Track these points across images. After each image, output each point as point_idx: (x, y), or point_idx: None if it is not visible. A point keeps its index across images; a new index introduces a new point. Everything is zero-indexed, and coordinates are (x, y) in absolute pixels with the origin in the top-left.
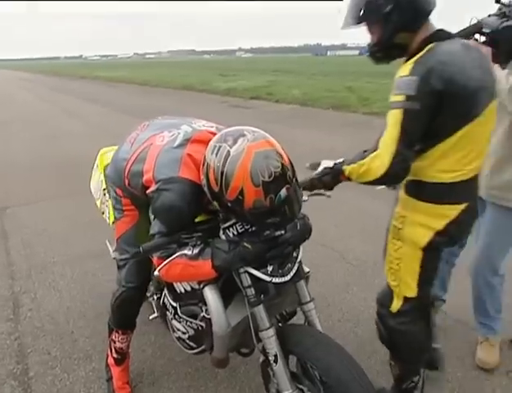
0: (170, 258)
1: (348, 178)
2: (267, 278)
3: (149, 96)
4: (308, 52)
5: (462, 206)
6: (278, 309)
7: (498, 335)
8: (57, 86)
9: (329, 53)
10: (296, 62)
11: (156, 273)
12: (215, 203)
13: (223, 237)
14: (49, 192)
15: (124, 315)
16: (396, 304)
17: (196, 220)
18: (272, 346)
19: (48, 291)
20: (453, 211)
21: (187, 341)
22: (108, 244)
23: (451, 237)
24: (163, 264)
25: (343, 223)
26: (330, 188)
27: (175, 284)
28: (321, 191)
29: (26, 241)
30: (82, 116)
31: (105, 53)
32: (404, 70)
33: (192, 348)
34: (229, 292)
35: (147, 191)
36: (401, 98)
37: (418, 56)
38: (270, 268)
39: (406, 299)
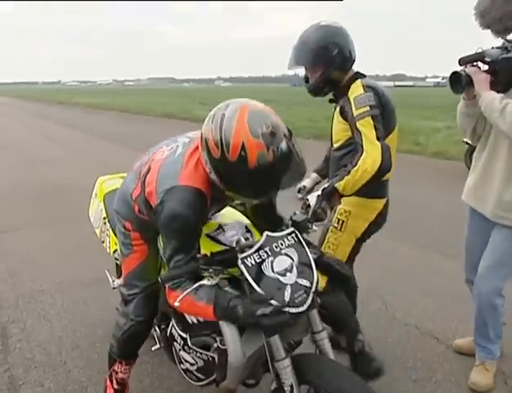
0: (187, 291)
1: (342, 195)
2: (285, 309)
3: (130, 123)
4: (286, 82)
5: (385, 200)
6: (288, 338)
7: (495, 360)
8: (36, 111)
9: None
10: (275, 92)
11: (176, 303)
12: (220, 182)
13: (242, 266)
14: (30, 220)
15: (131, 347)
16: (322, 284)
17: (214, 251)
18: (288, 377)
19: (38, 321)
20: (381, 204)
21: (195, 373)
22: (107, 273)
23: (377, 226)
24: (181, 297)
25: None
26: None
27: (186, 315)
28: (325, 222)
29: (11, 269)
30: (61, 142)
31: (83, 79)
32: (357, 91)
33: (200, 380)
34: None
35: (153, 206)
36: (366, 109)
37: (359, 83)
38: (287, 299)
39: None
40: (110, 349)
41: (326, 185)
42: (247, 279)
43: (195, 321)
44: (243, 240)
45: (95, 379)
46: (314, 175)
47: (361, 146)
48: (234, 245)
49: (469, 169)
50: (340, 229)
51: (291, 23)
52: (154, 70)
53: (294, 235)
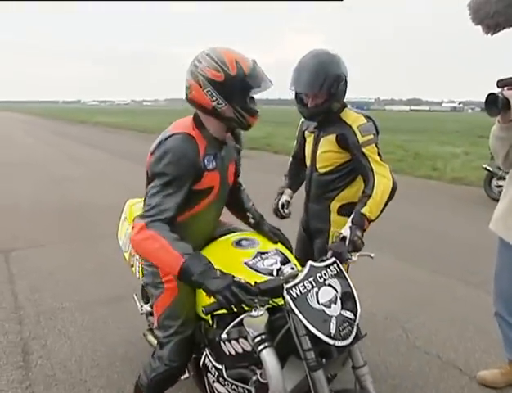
0: (165, 233)
1: (369, 221)
2: (331, 341)
3: (148, 142)
4: None
5: None
6: (327, 371)
7: None
8: (57, 130)
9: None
10: (292, 114)
11: (141, 238)
12: (225, 101)
13: (287, 297)
14: (52, 237)
15: (161, 387)
16: None
17: (258, 281)
18: None
19: (58, 338)
20: None
21: None
22: (136, 298)
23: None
24: (158, 235)
25: (352, 275)
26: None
27: (223, 345)
28: (365, 253)
29: (33, 285)
30: (83, 161)
31: (102, 99)
32: (359, 120)
33: None
34: (282, 353)
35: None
36: (371, 136)
37: (356, 114)
38: (333, 331)
39: None
40: (140, 381)
41: (352, 215)
42: (293, 310)
43: (233, 352)
44: (286, 269)
45: None
46: (289, 191)
47: (371, 169)
48: (274, 273)
49: (488, 195)
50: None
51: (305, 46)
52: (171, 91)
53: (335, 265)
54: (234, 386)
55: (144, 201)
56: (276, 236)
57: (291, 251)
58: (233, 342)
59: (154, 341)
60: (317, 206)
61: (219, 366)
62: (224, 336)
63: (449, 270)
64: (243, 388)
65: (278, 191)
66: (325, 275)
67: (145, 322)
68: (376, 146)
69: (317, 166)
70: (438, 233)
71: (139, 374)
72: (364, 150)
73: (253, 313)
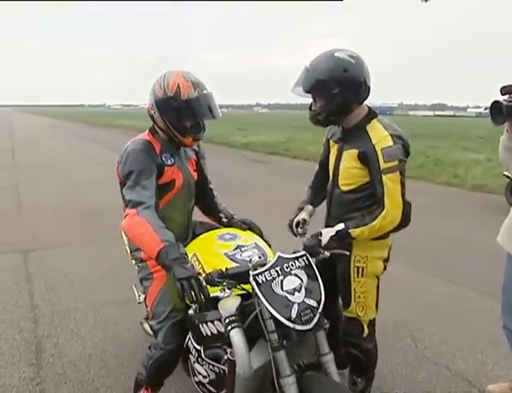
0: (154, 220)
1: (352, 239)
2: (291, 325)
3: None
4: None
5: (391, 235)
6: (297, 358)
7: None
8: (80, 133)
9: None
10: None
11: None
12: (161, 118)
13: (253, 282)
14: (70, 238)
15: (158, 376)
16: (366, 330)
17: (228, 267)
18: None
19: (70, 337)
20: (389, 241)
21: (207, 386)
22: (134, 288)
23: (388, 261)
24: (146, 220)
25: None
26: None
27: (201, 327)
28: (339, 250)
29: (49, 285)
30: (104, 164)
31: (127, 103)
32: (385, 141)
33: None
34: (252, 337)
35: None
36: (396, 163)
37: (385, 132)
38: (294, 316)
39: (370, 321)
40: (138, 375)
41: (340, 227)
42: (257, 295)
43: (209, 333)
44: (255, 257)
45: None
46: (310, 208)
47: (383, 201)
48: (248, 263)
49: (509, 203)
50: (362, 275)
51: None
52: None
53: (304, 258)
54: (211, 366)
55: (123, 200)
56: (245, 224)
57: (262, 237)
58: (209, 324)
59: (149, 330)
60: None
61: (198, 347)
62: (195, 315)
63: (464, 279)
64: (218, 368)
65: (299, 206)
66: (292, 266)
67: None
68: (401, 173)
69: (339, 183)
70: (456, 241)
71: (138, 372)
72: (384, 177)
73: (220, 294)
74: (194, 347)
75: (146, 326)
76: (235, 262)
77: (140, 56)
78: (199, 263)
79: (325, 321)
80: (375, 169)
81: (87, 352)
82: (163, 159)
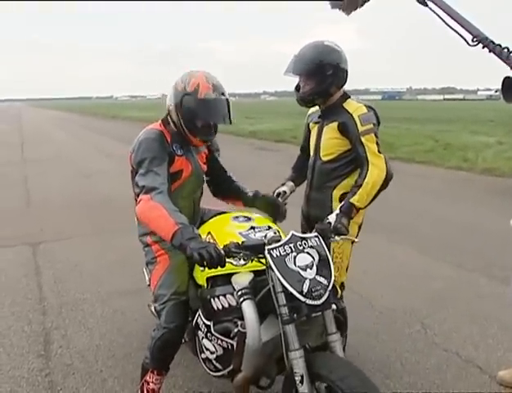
0: (167, 205)
1: (358, 210)
2: (302, 298)
3: None
4: None
5: None
6: (303, 339)
7: None
8: (89, 125)
9: (352, 97)
10: None
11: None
12: (176, 112)
13: (268, 256)
14: (79, 230)
15: (164, 356)
16: (339, 291)
17: (244, 240)
18: (300, 367)
19: (78, 329)
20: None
21: (214, 362)
22: (144, 271)
23: (361, 227)
24: (159, 204)
25: (373, 270)
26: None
27: (212, 301)
28: (348, 236)
29: (58, 277)
30: (112, 155)
31: (134, 94)
32: (360, 109)
33: (217, 370)
34: (262, 312)
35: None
36: (371, 126)
37: (358, 103)
38: (305, 290)
39: (342, 283)
40: (144, 360)
41: (342, 203)
42: (271, 267)
43: (220, 307)
44: (270, 233)
45: (128, 389)
46: (290, 183)
47: (366, 158)
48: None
49: None
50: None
51: (337, 36)
52: None
53: (316, 239)
54: (219, 341)
55: (134, 188)
56: (269, 198)
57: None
58: (221, 298)
59: None
60: (319, 195)
61: (208, 322)
62: (206, 290)
63: (474, 265)
64: (227, 342)
65: (282, 182)
66: (305, 244)
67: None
68: (376, 135)
69: (321, 154)
70: (466, 226)
71: (144, 356)
72: (362, 139)
73: (234, 262)
74: (203, 323)
75: (153, 308)
76: (249, 240)
77: (146, 48)
78: (214, 241)
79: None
80: (354, 133)
81: (95, 343)
82: (174, 148)
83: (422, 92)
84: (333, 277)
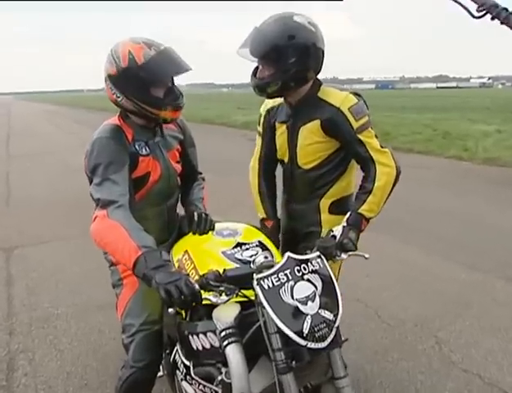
0: (126, 221)
1: (368, 220)
2: (302, 342)
3: None
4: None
5: None
6: (304, 381)
7: None
8: (78, 118)
9: (345, 86)
10: None
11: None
12: (125, 98)
13: (257, 288)
14: (58, 232)
15: None
16: None
17: (227, 268)
18: None
19: (48, 351)
20: None
21: None
22: None
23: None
24: (119, 223)
25: (376, 273)
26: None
27: (191, 339)
28: (358, 252)
29: (32, 287)
30: None
31: None
32: (348, 100)
33: None
34: (252, 355)
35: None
36: (366, 119)
37: (339, 93)
38: (306, 331)
39: None
40: None
41: (348, 214)
42: (262, 303)
43: (200, 347)
44: (259, 258)
45: None
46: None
47: (371, 158)
48: (251, 264)
49: None
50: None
51: (330, 26)
52: (194, 75)
53: (319, 260)
54: (201, 386)
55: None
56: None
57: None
58: (201, 336)
59: None
60: (303, 207)
61: (187, 363)
62: (184, 323)
63: (487, 265)
64: (210, 388)
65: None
66: (304, 269)
67: None
68: (372, 127)
69: (300, 163)
70: (473, 221)
71: None
72: (360, 137)
73: (213, 298)
74: (182, 362)
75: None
76: (235, 262)
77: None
78: (192, 262)
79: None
80: (348, 132)
81: (66, 369)
82: (137, 147)
83: (415, 80)
84: (340, 309)
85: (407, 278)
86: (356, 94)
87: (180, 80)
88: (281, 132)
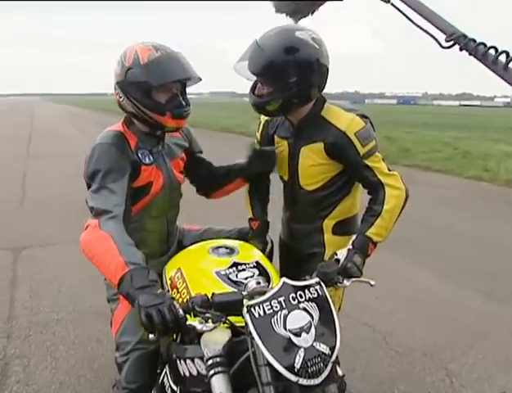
0: (116, 233)
1: (375, 244)
2: (293, 378)
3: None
4: (346, 100)
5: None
6: None
7: None
8: (100, 121)
9: (366, 101)
10: None
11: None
12: (128, 100)
13: (247, 316)
14: (68, 234)
15: None
16: None
17: (217, 291)
18: None
19: (44, 358)
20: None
21: None
22: None
23: None
24: (110, 234)
25: (386, 296)
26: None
27: (178, 364)
28: (363, 278)
29: (35, 290)
30: None
31: None
32: (355, 124)
33: None
34: (241, 386)
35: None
36: (373, 143)
37: (345, 115)
38: (298, 365)
39: None
40: None
41: (354, 237)
42: (251, 333)
43: (187, 373)
44: (252, 282)
45: None
46: (267, 238)
47: (379, 181)
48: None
49: None
50: None
51: (352, 40)
52: (216, 84)
53: (318, 287)
54: None
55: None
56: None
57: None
58: (188, 362)
59: None
60: (305, 227)
61: (175, 388)
62: (173, 346)
63: (504, 294)
64: None
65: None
66: (300, 296)
67: None
68: (378, 151)
69: (302, 183)
70: (491, 245)
71: None
72: (367, 162)
73: (199, 325)
74: (170, 386)
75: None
76: (228, 284)
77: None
78: (184, 281)
79: (340, 372)
80: (354, 158)
81: (60, 378)
82: (140, 156)
83: (438, 97)
84: (338, 343)
85: (418, 302)
86: (363, 116)
87: (202, 88)
88: (282, 149)
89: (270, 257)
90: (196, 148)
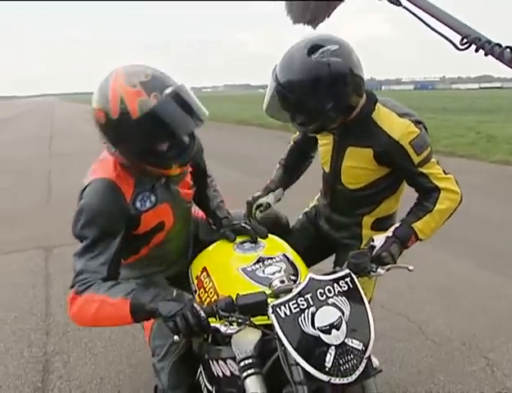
0: (100, 290)
1: (417, 239)
2: (324, 378)
3: (203, 130)
4: None
5: None
6: None
7: None
8: None
9: (383, 88)
10: None
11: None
12: (119, 153)
13: (272, 316)
14: None
15: None
16: None
17: (242, 292)
18: None
19: (83, 354)
20: None
21: None
22: None
23: None
24: (94, 296)
25: (420, 285)
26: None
27: (211, 364)
28: (399, 264)
29: (68, 287)
30: None
31: None
32: (408, 132)
33: None
34: (275, 385)
35: None
36: (428, 151)
37: (398, 120)
38: (329, 364)
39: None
40: None
41: (397, 224)
42: (277, 334)
43: (221, 374)
44: (276, 282)
45: None
46: (280, 191)
47: (435, 186)
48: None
49: None
50: None
51: (366, 27)
52: (231, 76)
53: (348, 279)
54: None
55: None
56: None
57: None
58: (221, 363)
59: None
60: (345, 219)
61: (210, 387)
62: (206, 346)
63: None
64: None
65: (268, 185)
66: (329, 292)
67: None
68: (433, 156)
69: (343, 181)
70: None
71: None
72: (423, 170)
73: (223, 328)
74: (205, 386)
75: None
76: (255, 281)
77: (177, 41)
78: (211, 281)
79: (376, 363)
80: (407, 165)
81: (100, 374)
82: (138, 204)
83: (456, 81)
84: (372, 338)
85: (452, 292)
86: (416, 121)
87: (216, 82)
88: (326, 142)
89: (286, 230)
90: (198, 149)
